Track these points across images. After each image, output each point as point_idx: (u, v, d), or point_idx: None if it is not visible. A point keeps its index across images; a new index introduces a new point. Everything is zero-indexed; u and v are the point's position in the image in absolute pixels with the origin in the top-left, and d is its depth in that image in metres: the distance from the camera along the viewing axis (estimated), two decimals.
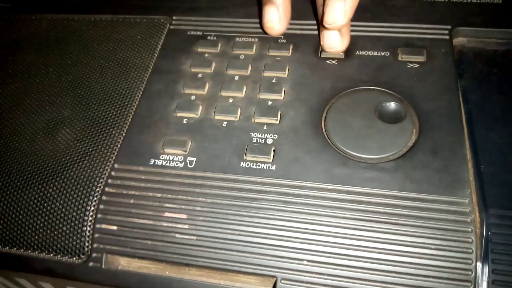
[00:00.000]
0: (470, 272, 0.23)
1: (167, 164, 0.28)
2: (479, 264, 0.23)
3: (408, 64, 0.31)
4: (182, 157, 0.28)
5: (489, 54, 0.31)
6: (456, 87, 0.29)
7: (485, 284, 0.23)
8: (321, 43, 0.32)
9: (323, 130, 0.28)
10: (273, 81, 0.31)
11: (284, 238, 0.25)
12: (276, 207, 0.25)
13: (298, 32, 0.34)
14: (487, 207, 0.24)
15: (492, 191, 0.25)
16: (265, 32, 0.34)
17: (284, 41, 0.34)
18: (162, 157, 0.28)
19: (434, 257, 0.24)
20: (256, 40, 0.34)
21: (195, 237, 0.25)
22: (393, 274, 0.24)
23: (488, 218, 0.24)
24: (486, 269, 0.23)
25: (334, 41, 0.31)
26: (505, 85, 0.29)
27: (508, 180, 0.25)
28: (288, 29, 0.34)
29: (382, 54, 0.31)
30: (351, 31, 0.33)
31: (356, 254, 0.24)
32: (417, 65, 0.30)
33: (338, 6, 0.29)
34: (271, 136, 0.28)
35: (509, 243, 0.23)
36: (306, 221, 0.25)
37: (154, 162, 0.28)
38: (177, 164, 0.28)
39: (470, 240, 0.24)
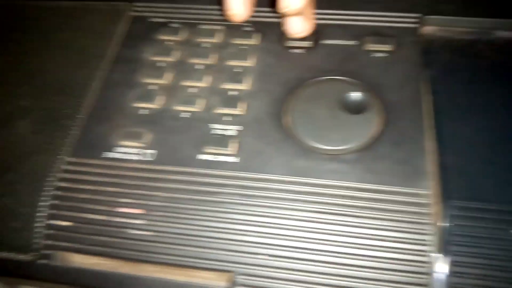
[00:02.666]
0: (429, 265, 0.23)
1: (124, 157, 0.26)
2: (438, 256, 0.23)
3: (375, 53, 0.30)
4: (139, 150, 0.27)
5: (458, 43, 0.31)
6: (422, 77, 0.28)
7: (444, 275, 0.23)
8: (284, 28, 0.31)
9: (287, 121, 0.27)
10: (238, 70, 0.30)
11: (242, 232, 0.24)
12: (235, 201, 0.25)
13: (266, 20, 0.33)
14: (448, 199, 0.24)
15: (453, 183, 0.24)
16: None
17: (251, 29, 0.33)
18: (118, 150, 0.27)
19: (394, 249, 0.23)
20: (222, 27, 0.33)
21: (151, 233, 0.25)
22: (353, 268, 0.23)
23: (448, 210, 0.24)
24: (445, 260, 0.23)
25: (296, 26, 0.30)
26: (472, 76, 0.29)
27: (469, 171, 0.25)
28: (256, 16, 0.33)
29: (350, 43, 0.31)
30: (319, 19, 0.32)
31: (315, 248, 0.24)
32: (384, 55, 0.30)
33: None
34: (233, 127, 0.27)
35: (468, 234, 0.23)
36: (264, 214, 0.24)
37: (110, 155, 0.27)
38: (133, 157, 0.26)
39: (430, 232, 0.23)
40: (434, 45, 0.31)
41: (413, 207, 0.24)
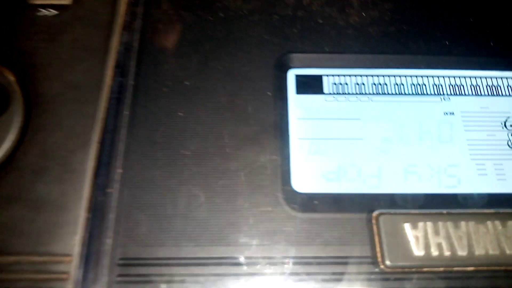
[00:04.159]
0: None
1: None
2: None
3: (42, 10, 0.19)
4: None
5: None
6: (108, 48, 0.18)
7: None
8: None
9: None
10: None
11: None
12: None
13: None
14: (105, 266, 0.15)
15: (119, 237, 0.15)
16: None
17: None
18: None
19: None
20: None
21: None
22: None
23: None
24: None
25: None
26: (192, 39, 0.19)
27: (142, 218, 0.15)
28: None
29: None
30: None
31: None
32: (55, 12, 0.19)
33: None
34: None
35: None
36: None
37: None
38: None
39: None
40: None
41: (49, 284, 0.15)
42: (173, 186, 0.15)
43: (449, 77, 0.19)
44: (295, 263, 0.14)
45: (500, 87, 0.19)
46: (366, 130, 0.18)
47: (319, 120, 0.18)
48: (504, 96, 0.19)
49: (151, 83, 0.17)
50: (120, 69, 0.17)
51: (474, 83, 0.19)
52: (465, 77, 0.19)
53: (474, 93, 0.19)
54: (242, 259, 0.14)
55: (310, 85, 0.19)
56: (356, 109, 0.18)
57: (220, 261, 0.14)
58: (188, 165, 0.15)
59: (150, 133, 0.16)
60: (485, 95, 0.19)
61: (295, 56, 0.19)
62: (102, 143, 0.16)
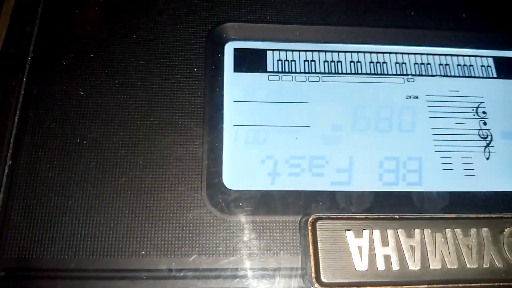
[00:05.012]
0: None
1: None
2: None
3: None
4: None
5: None
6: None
7: None
8: None
9: None
10: None
11: None
12: None
13: None
14: None
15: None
16: None
17: None
18: None
19: None
20: None
21: None
22: None
23: None
24: None
25: None
26: (103, 1, 0.16)
27: (27, 223, 0.12)
28: None
29: None
30: None
31: None
32: None
33: None
34: None
35: None
36: None
37: None
38: None
39: None
40: None
41: None
42: (66, 183, 0.12)
43: (414, 55, 0.16)
44: (209, 277, 0.12)
45: (472, 67, 0.17)
46: (314, 116, 0.15)
47: (260, 103, 0.15)
48: (477, 77, 0.16)
49: (48, 54, 0.14)
50: (14, 36, 0.14)
51: (443, 62, 0.16)
52: (432, 55, 0.16)
53: (442, 73, 0.16)
54: (145, 273, 0.12)
55: (251, 62, 0.16)
56: (304, 91, 0.16)
57: (118, 275, 0.12)
58: (85, 156, 0.13)
59: (43, 115, 0.13)
60: (455, 76, 0.16)
61: (234, 26, 0.16)
62: None
